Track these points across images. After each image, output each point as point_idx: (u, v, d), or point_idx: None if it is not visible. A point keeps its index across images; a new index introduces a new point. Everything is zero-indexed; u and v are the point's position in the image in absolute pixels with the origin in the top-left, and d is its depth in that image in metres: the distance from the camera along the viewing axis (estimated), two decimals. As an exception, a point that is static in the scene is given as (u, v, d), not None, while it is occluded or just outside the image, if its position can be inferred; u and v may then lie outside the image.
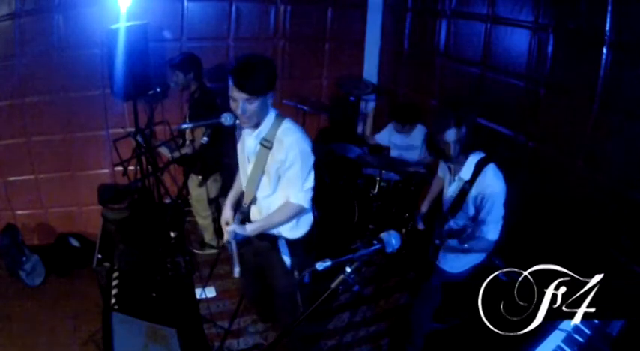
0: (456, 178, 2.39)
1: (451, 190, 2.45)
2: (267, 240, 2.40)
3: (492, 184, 2.24)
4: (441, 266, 2.60)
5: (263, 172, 2.24)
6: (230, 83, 2.04)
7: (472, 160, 2.30)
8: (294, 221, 2.36)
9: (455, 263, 2.56)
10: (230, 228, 2.23)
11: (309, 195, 2.26)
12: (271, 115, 2.19)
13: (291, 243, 2.39)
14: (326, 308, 3.45)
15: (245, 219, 2.39)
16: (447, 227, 2.50)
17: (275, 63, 2.19)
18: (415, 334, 2.83)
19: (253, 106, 2.06)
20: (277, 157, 2.17)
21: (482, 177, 2.26)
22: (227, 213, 2.43)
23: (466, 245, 2.34)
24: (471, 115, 2.25)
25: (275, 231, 2.37)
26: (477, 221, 2.34)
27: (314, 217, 2.49)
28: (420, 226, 2.71)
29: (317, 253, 2.43)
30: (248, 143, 2.28)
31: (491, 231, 2.29)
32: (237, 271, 2.31)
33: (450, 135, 2.22)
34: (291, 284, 2.44)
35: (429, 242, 2.59)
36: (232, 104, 2.09)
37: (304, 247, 2.43)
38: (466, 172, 2.31)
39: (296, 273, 2.39)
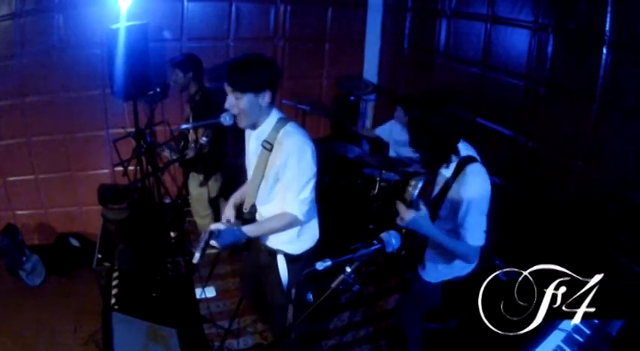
0: (439, 175, 2.23)
1: (436, 187, 2.28)
2: (266, 253, 2.33)
3: (471, 184, 2.01)
4: (422, 276, 2.44)
5: (263, 176, 2.17)
6: None
7: (455, 157, 2.10)
8: (295, 235, 2.25)
9: (434, 274, 2.39)
10: (213, 226, 2.12)
11: (306, 207, 2.13)
12: (273, 117, 2.13)
13: (290, 259, 2.29)
14: (326, 308, 3.45)
15: (246, 224, 2.29)
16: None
17: (275, 62, 2.14)
18: (408, 341, 2.70)
19: (240, 102, 2.02)
20: (276, 161, 2.10)
21: (463, 175, 2.06)
22: (227, 211, 2.36)
23: (445, 240, 2.07)
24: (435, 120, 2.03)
25: (274, 244, 2.29)
26: (454, 225, 2.12)
27: (319, 234, 2.38)
28: (399, 223, 2.51)
29: (317, 253, 2.42)
30: (251, 144, 2.24)
31: (470, 236, 2.03)
32: (197, 257, 2.04)
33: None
34: (285, 303, 2.34)
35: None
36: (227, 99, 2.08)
37: (304, 266, 2.22)
38: (448, 168, 2.13)
39: (293, 292, 2.27)
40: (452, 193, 2.10)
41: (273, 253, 2.31)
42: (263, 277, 2.46)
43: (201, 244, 2.06)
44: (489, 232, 2.07)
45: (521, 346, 1.76)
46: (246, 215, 2.33)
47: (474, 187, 2.01)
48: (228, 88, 2.03)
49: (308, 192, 2.12)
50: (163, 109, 4.05)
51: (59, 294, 3.65)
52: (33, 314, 3.40)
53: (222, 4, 4.15)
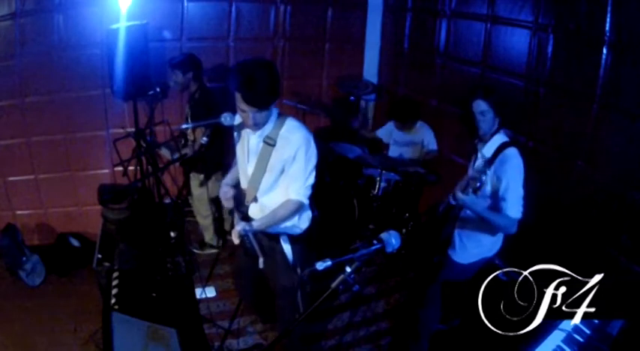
0: (479, 155, 2.45)
1: (474, 168, 2.50)
2: (268, 238, 2.43)
3: (509, 162, 2.29)
4: (452, 257, 2.60)
5: (266, 170, 2.26)
6: (237, 96, 2.06)
7: (496, 140, 2.37)
8: (296, 218, 2.39)
9: (463, 253, 2.56)
10: (239, 227, 2.26)
11: (309, 191, 2.31)
12: (274, 114, 2.23)
13: (293, 239, 2.43)
14: (326, 308, 3.45)
15: (245, 217, 2.40)
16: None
17: (275, 63, 2.24)
18: (422, 337, 2.83)
19: (263, 114, 2.13)
20: (283, 155, 2.20)
21: (502, 156, 2.31)
22: (225, 187, 2.43)
23: (487, 213, 2.34)
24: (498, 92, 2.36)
25: (276, 229, 2.38)
26: (494, 201, 2.36)
27: (313, 214, 2.52)
28: (451, 201, 2.67)
29: (317, 253, 2.43)
30: (250, 142, 2.29)
31: (511, 208, 2.28)
32: (262, 262, 2.35)
33: (478, 105, 2.33)
34: (293, 281, 2.47)
35: (442, 233, 2.60)
36: (242, 114, 2.13)
37: (306, 244, 2.48)
38: (488, 149, 2.37)
39: (298, 269, 2.42)
40: (491, 172, 2.31)
41: (274, 237, 2.41)
42: (266, 262, 2.50)
43: (257, 248, 2.31)
44: (525, 206, 2.31)
45: (521, 346, 1.76)
46: (244, 207, 2.40)
47: (514, 165, 2.29)
48: (247, 107, 2.07)
49: (312, 178, 2.29)
50: (163, 109, 4.05)
51: (59, 294, 3.65)
52: (33, 314, 3.40)
53: (222, 4, 4.14)
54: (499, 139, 2.37)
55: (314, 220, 2.52)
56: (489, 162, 2.32)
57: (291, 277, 2.46)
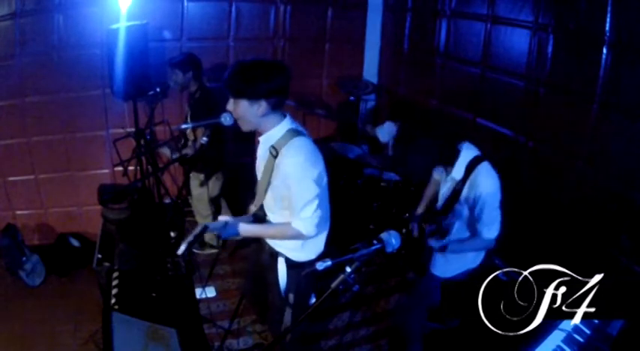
0: (448, 177, 2.38)
1: (445, 190, 2.45)
2: (268, 253, 2.34)
3: (484, 183, 2.20)
4: (432, 271, 2.57)
5: (269, 183, 2.13)
6: None
7: (463, 158, 2.28)
8: (299, 244, 2.22)
9: (445, 268, 2.51)
10: (222, 218, 2.14)
11: (310, 225, 2.07)
12: (282, 127, 2.06)
13: (290, 265, 2.27)
14: (326, 308, 3.44)
15: (259, 221, 2.30)
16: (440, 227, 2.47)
17: (288, 69, 2.02)
18: (409, 341, 2.75)
19: (237, 106, 2.00)
20: (281, 171, 2.05)
21: (474, 176, 2.23)
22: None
23: (463, 245, 2.32)
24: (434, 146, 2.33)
25: (277, 247, 2.28)
26: (471, 221, 2.31)
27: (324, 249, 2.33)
28: (415, 233, 2.62)
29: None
30: (260, 148, 2.20)
31: (487, 230, 2.24)
32: (182, 249, 2.05)
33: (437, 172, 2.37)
34: (283, 304, 2.34)
35: (423, 245, 2.55)
36: None
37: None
38: (457, 171, 2.29)
39: (291, 295, 2.28)
40: (465, 194, 2.26)
41: (274, 255, 2.31)
42: (264, 275, 2.47)
43: (190, 238, 2.05)
44: (502, 222, 2.26)
45: (521, 346, 1.76)
46: (257, 211, 2.31)
47: (487, 186, 2.20)
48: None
49: (310, 212, 2.05)
50: (163, 109, 4.05)
51: (59, 294, 3.65)
52: (33, 314, 3.40)
53: (222, 4, 4.14)
54: (466, 156, 2.28)
55: (322, 254, 2.32)
56: (462, 181, 2.25)
57: (280, 298, 2.32)
